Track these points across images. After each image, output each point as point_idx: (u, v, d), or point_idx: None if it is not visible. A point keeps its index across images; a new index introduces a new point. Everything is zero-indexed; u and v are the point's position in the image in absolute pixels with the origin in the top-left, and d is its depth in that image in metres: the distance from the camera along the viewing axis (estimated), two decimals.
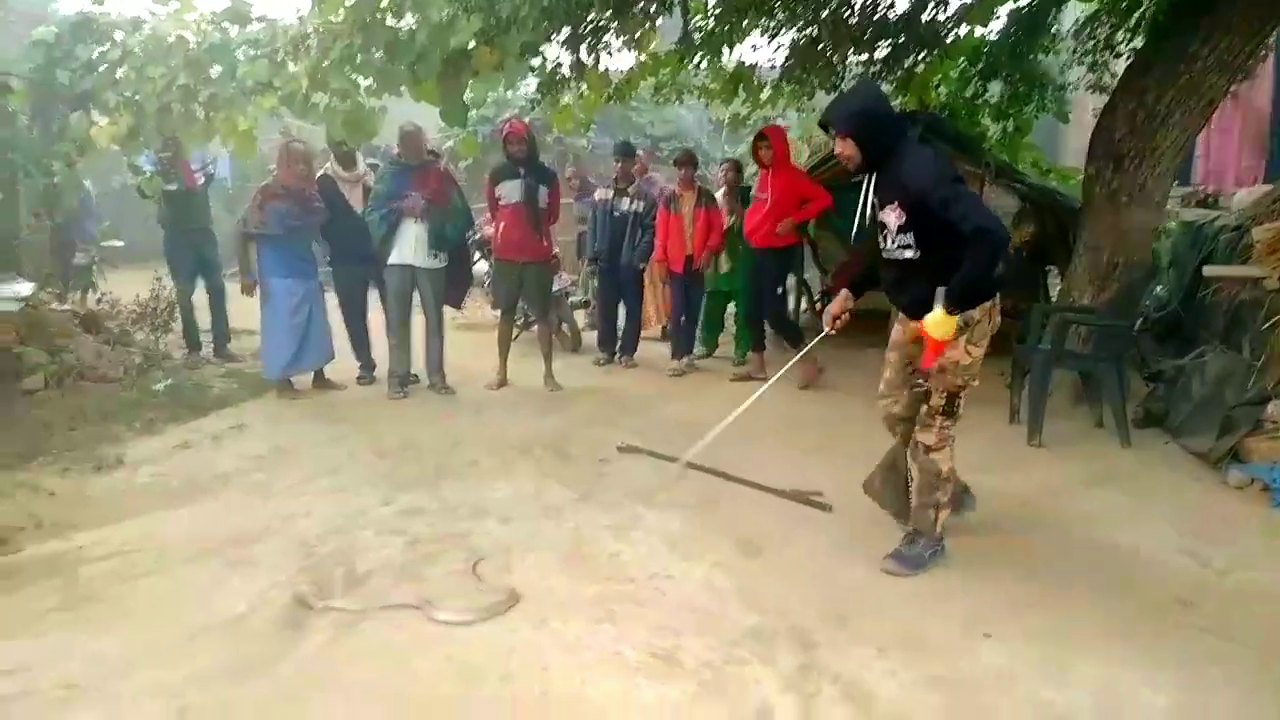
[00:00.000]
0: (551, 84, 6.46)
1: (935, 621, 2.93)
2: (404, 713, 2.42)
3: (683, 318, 7.19)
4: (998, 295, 3.16)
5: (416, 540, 3.62)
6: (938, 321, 2.90)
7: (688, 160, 6.94)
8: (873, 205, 3.19)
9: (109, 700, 2.51)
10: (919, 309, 3.04)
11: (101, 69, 5.57)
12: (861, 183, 3.23)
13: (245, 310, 6.57)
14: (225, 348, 7.08)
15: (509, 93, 10.19)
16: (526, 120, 7.01)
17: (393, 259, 5.94)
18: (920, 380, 3.19)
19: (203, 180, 7.10)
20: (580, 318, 8.67)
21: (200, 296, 7.13)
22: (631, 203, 7.10)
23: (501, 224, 6.17)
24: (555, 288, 7.02)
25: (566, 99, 6.95)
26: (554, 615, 2.95)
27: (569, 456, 4.80)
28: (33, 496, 4.04)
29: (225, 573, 3.30)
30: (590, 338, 7.97)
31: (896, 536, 3.45)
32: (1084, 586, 3.20)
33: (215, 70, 5.03)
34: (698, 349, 7.50)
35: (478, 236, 8.04)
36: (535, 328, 7.08)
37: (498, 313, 6.70)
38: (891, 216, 3.07)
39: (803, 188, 6.36)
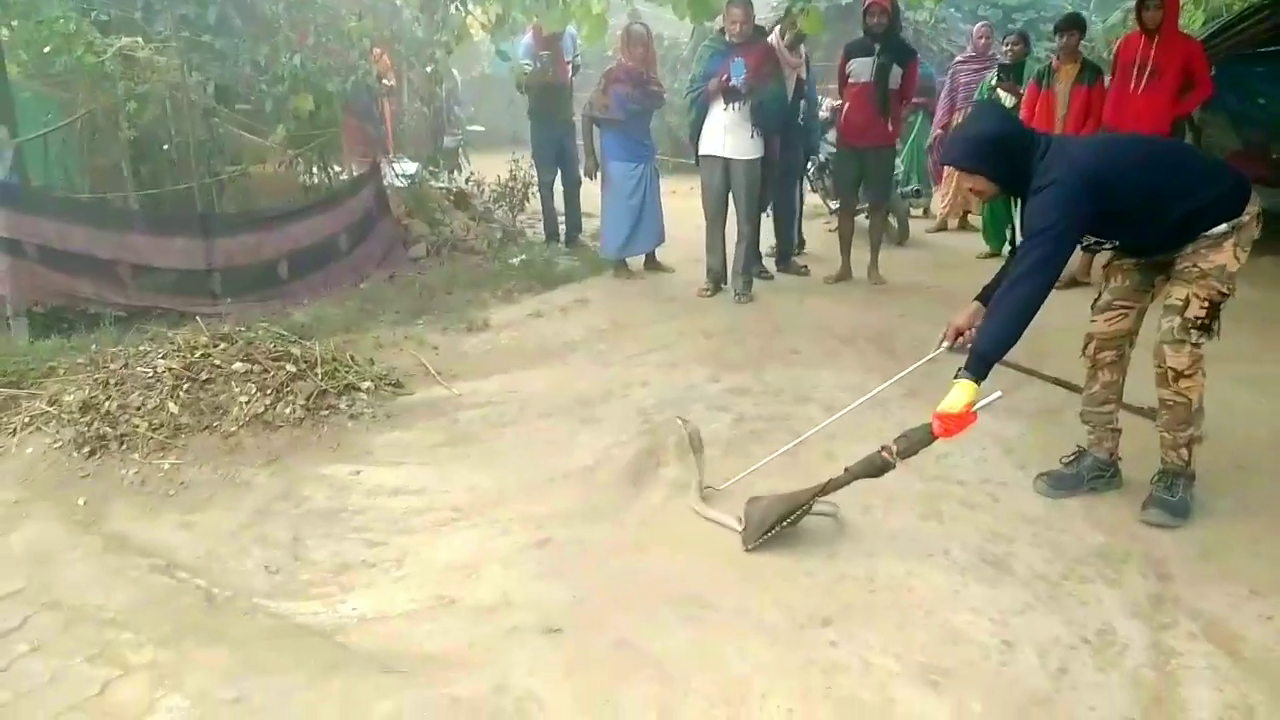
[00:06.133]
0: None
1: None
2: (730, 576, 2.59)
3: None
4: (1259, 200, 2.70)
5: (742, 418, 3.78)
6: (957, 399, 2.51)
7: (1071, 25, 5.80)
8: None
9: (487, 524, 2.96)
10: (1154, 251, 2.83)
11: None
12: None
13: (588, 193, 7.00)
14: (577, 237, 7.36)
15: None
16: None
17: (702, 148, 5.69)
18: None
19: (571, 72, 7.23)
20: None
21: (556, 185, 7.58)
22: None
23: (846, 105, 5.90)
24: None
25: None
26: (878, 505, 2.96)
27: (893, 352, 4.68)
28: (420, 349, 4.72)
29: (576, 428, 3.69)
30: (918, 233, 7.59)
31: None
32: None
33: None
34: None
35: (827, 115, 7.77)
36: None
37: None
38: None
39: (1195, 64, 5.28)
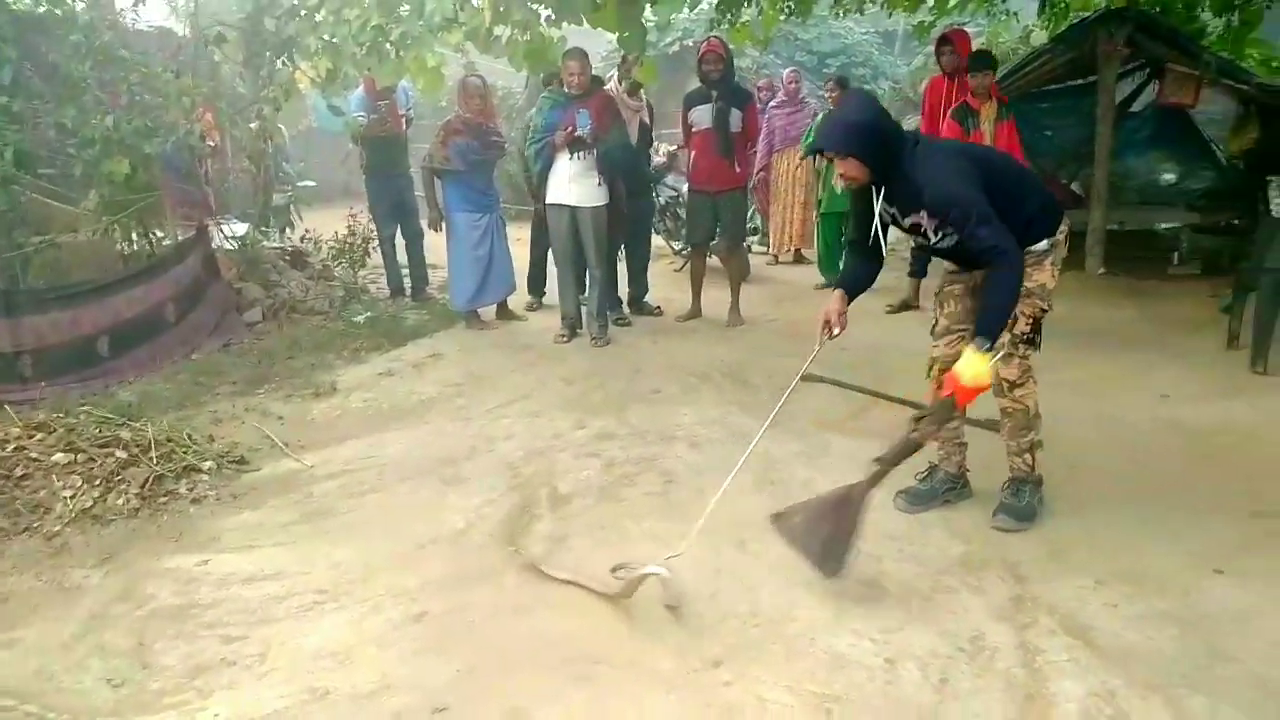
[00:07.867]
0: (732, 1, 6.26)
1: (1157, 557, 2.80)
2: (617, 629, 2.56)
3: None
4: (1068, 221, 2.99)
5: (611, 463, 3.77)
6: (973, 366, 2.56)
7: (984, 64, 5.56)
8: (889, 214, 2.89)
9: (356, 603, 2.78)
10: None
11: (303, 14, 5.87)
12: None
13: (433, 245, 6.87)
14: (424, 290, 7.19)
15: (681, 14, 9.87)
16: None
17: (549, 198, 5.74)
18: None
19: (406, 124, 7.11)
20: None
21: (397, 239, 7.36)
22: None
23: (693, 152, 6.06)
24: None
25: (746, 16, 6.69)
26: (753, 538, 3.00)
27: (749, 384, 4.82)
28: (264, 420, 4.43)
29: (442, 490, 3.56)
30: (759, 267, 7.87)
31: (1110, 470, 3.30)
32: None
33: (405, 9, 5.21)
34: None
35: (663, 159, 7.96)
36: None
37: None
38: (923, 219, 2.81)
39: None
